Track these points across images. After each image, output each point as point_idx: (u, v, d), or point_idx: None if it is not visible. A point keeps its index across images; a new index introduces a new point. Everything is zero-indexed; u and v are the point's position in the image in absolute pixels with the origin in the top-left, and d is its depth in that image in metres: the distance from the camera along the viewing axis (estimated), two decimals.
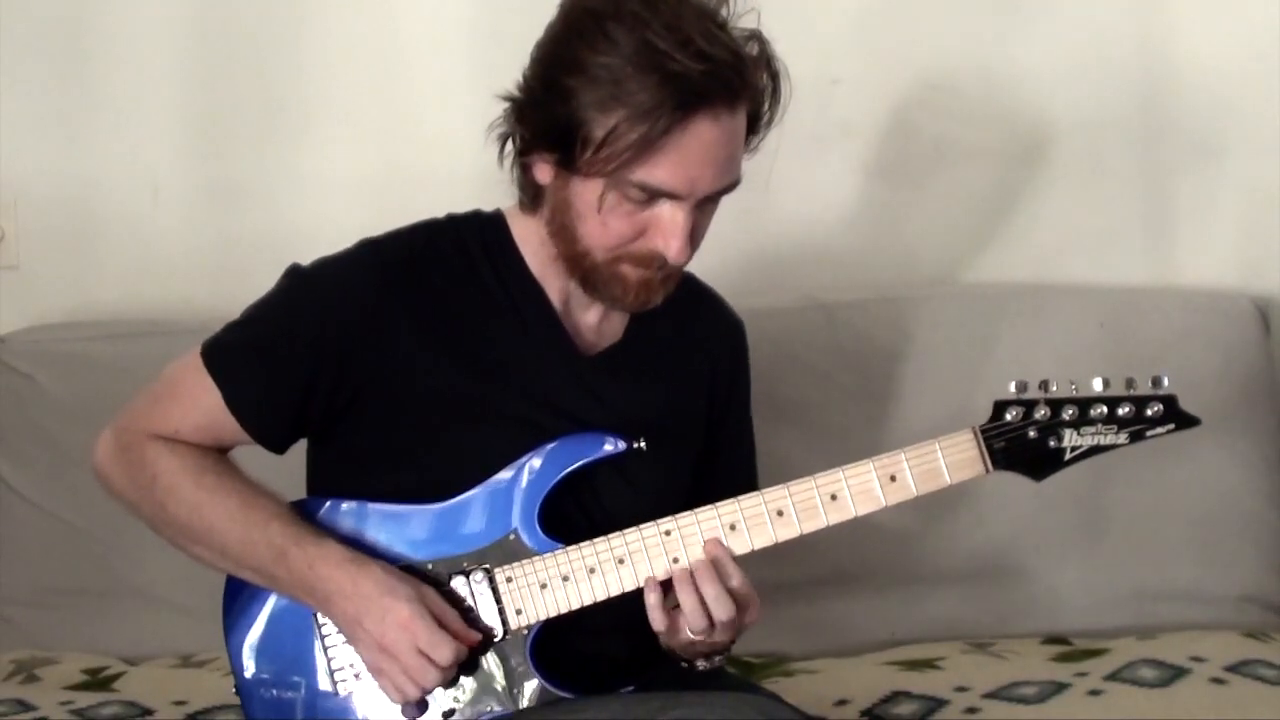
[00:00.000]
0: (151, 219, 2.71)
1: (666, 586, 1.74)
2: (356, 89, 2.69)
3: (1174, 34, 2.65)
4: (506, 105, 1.76)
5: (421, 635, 1.69)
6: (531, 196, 1.79)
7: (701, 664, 1.82)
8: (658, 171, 1.67)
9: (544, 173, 1.74)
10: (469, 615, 1.74)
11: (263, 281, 1.82)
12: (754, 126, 1.73)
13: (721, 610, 1.71)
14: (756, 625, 1.79)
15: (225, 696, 2.05)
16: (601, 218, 1.70)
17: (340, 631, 1.75)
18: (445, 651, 1.69)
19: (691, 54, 1.64)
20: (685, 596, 1.71)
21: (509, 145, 1.78)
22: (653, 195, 1.69)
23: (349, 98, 2.69)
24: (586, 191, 1.70)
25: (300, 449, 1.86)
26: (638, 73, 1.64)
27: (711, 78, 1.65)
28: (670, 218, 1.70)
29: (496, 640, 1.74)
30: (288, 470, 1.87)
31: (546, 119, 1.70)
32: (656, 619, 1.72)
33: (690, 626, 1.72)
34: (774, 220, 2.63)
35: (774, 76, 1.72)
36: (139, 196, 2.70)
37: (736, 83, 1.67)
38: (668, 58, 1.63)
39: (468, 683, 1.75)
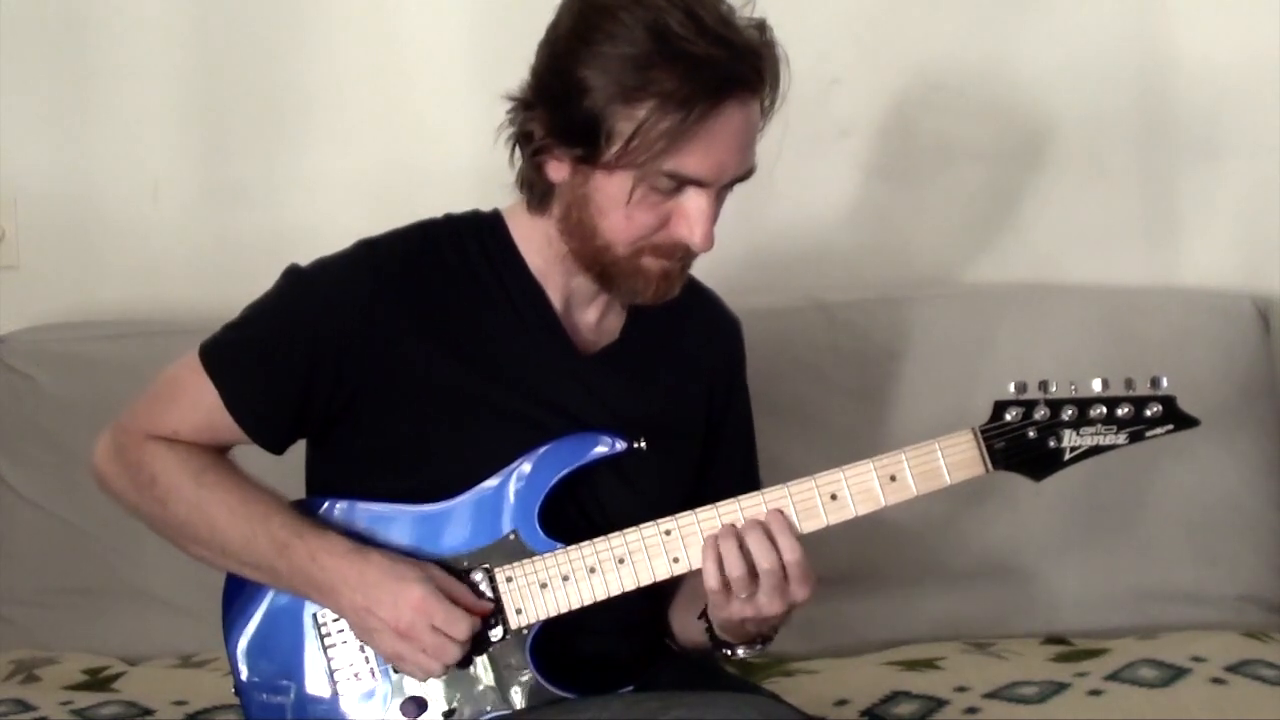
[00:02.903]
0: (151, 219, 2.71)
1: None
2: (356, 89, 2.70)
3: (1174, 34, 2.65)
4: (513, 105, 1.75)
5: (437, 613, 1.69)
6: (541, 195, 1.77)
7: (743, 651, 1.80)
8: (689, 160, 1.66)
9: (559, 170, 1.73)
10: (474, 587, 1.74)
11: (263, 282, 1.82)
12: (761, 111, 1.73)
13: (764, 557, 1.67)
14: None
15: (225, 696, 2.05)
16: (627, 210, 1.69)
17: (349, 625, 1.75)
18: (462, 626, 1.69)
19: (713, 40, 1.63)
20: (726, 543, 1.68)
21: (519, 147, 1.76)
22: (680, 184, 1.68)
23: (349, 98, 2.70)
24: (610, 185, 1.69)
25: (300, 449, 1.86)
26: (663, 61, 1.63)
27: (738, 63, 1.65)
28: (696, 206, 1.69)
29: (497, 640, 1.74)
30: (288, 470, 1.87)
31: (565, 116, 1.68)
32: (711, 575, 1.69)
33: (729, 571, 1.67)
34: (774, 220, 2.63)
35: (776, 63, 1.71)
36: (139, 196, 2.71)
37: (759, 68, 1.68)
38: (691, 44, 1.63)
39: (469, 683, 1.75)
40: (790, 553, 1.68)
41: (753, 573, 1.68)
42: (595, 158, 1.68)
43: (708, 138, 1.66)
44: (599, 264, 1.75)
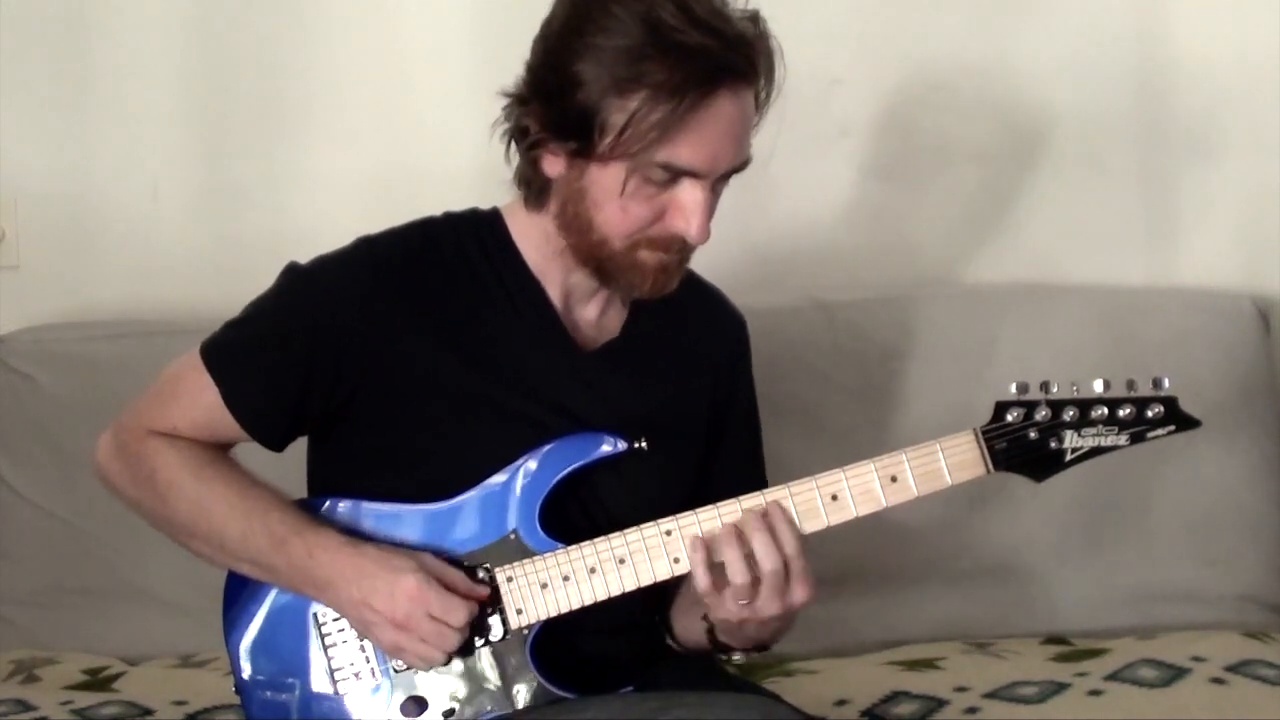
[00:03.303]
0: (151, 219, 2.71)
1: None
2: (356, 88, 2.70)
3: (1174, 34, 2.65)
4: (509, 101, 1.76)
5: (433, 602, 1.69)
6: (538, 191, 1.78)
7: (738, 656, 1.79)
8: (682, 150, 1.66)
9: (555, 165, 1.73)
10: (473, 576, 1.74)
11: (263, 281, 1.82)
12: (756, 104, 1.73)
13: (769, 559, 1.65)
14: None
15: (225, 696, 2.05)
16: (622, 203, 1.69)
17: (347, 620, 1.75)
18: (459, 613, 1.70)
19: (705, 31, 1.64)
20: (728, 549, 1.67)
21: (515, 142, 1.77)
22: (675, 175, 1.68)
23: (349, 97, 2.70)
24: (604, 178, 1.69)
25: (300, 448, 1.86)
26: (655, 52, 1.63)
27: (730, 53, 1.65)
28: (691, 197, 1.69)
29: (497, 640, 1.74)
30: (288, 469, 1.87)
31: (559, 109, 1.69)
32: (700, 578, 1.68)
33: (732, 578, 1.66)
34: (774, 220, 2.64)
35: (770, 55, 1.72)
36: (139, 196, 2.70)
37: (752, 58, 1.68)
38: (683, 34, 1.63)
39: (469, 683, 1.75)
40: (789, 546, 1.67)
41: (755, 579, 1.67)
42: (589, 150, 1.68)
43: (700, 128, 1.66)
44: (596, 258, 1.75)
